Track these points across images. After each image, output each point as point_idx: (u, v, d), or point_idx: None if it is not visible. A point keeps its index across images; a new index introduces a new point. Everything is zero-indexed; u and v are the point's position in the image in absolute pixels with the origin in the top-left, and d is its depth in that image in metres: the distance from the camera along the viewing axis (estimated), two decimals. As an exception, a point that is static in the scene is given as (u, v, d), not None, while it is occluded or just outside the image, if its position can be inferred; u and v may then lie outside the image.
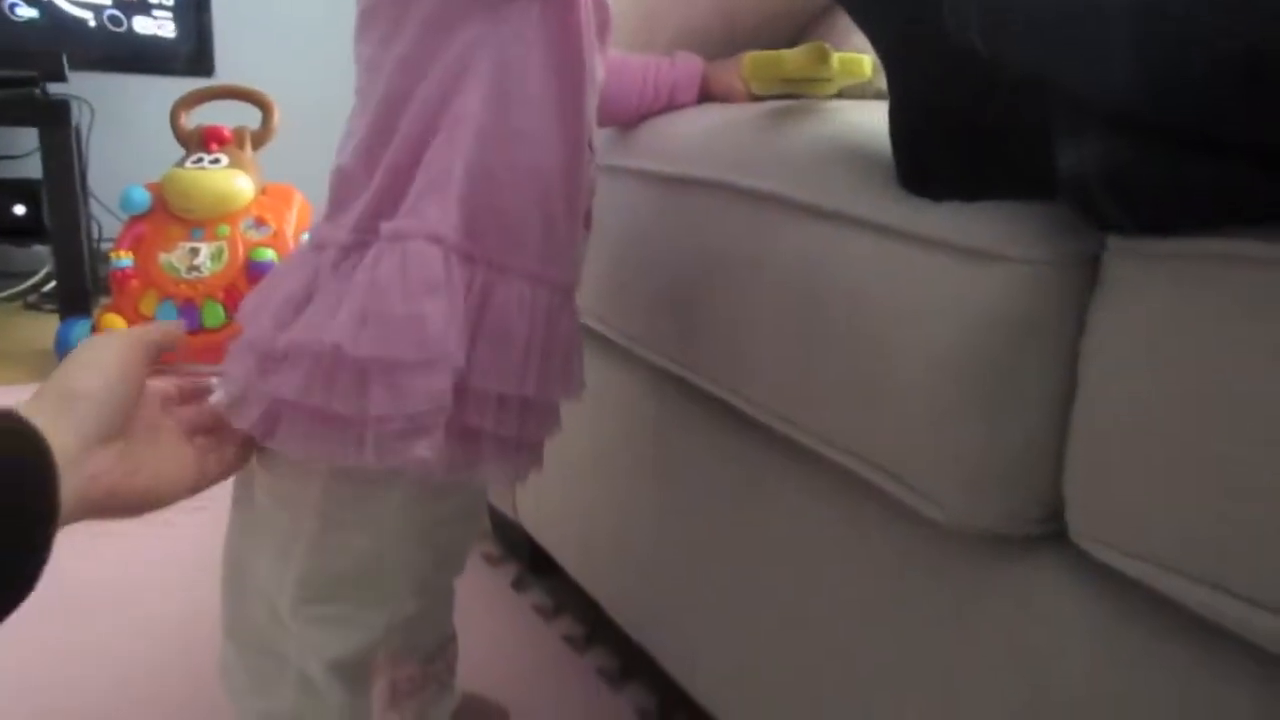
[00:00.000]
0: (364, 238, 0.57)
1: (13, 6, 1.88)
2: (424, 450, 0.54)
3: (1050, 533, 0.50)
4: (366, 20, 0.59)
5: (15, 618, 0.41)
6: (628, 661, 0.99)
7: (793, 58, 0.69)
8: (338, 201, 0.60)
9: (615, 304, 0.81)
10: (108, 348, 0.51)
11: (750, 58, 0.73)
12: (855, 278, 0.56)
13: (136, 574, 1.13)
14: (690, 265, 0.71)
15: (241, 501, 0.67)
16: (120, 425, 0.49)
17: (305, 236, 1.80)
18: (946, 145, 0.53)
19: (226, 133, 1.85)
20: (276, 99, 1.91)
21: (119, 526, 0.51)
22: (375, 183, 0.57)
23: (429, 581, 0.69)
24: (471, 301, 0.56)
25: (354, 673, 0.67)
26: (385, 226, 0.55)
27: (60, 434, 0.45)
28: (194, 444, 0.56)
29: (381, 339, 0.53)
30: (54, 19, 1.90)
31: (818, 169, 0.61)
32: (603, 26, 0.65)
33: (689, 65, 0.83)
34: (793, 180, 0.61)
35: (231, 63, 2.09)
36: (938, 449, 0.52)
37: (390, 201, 0.56)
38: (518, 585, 1.15)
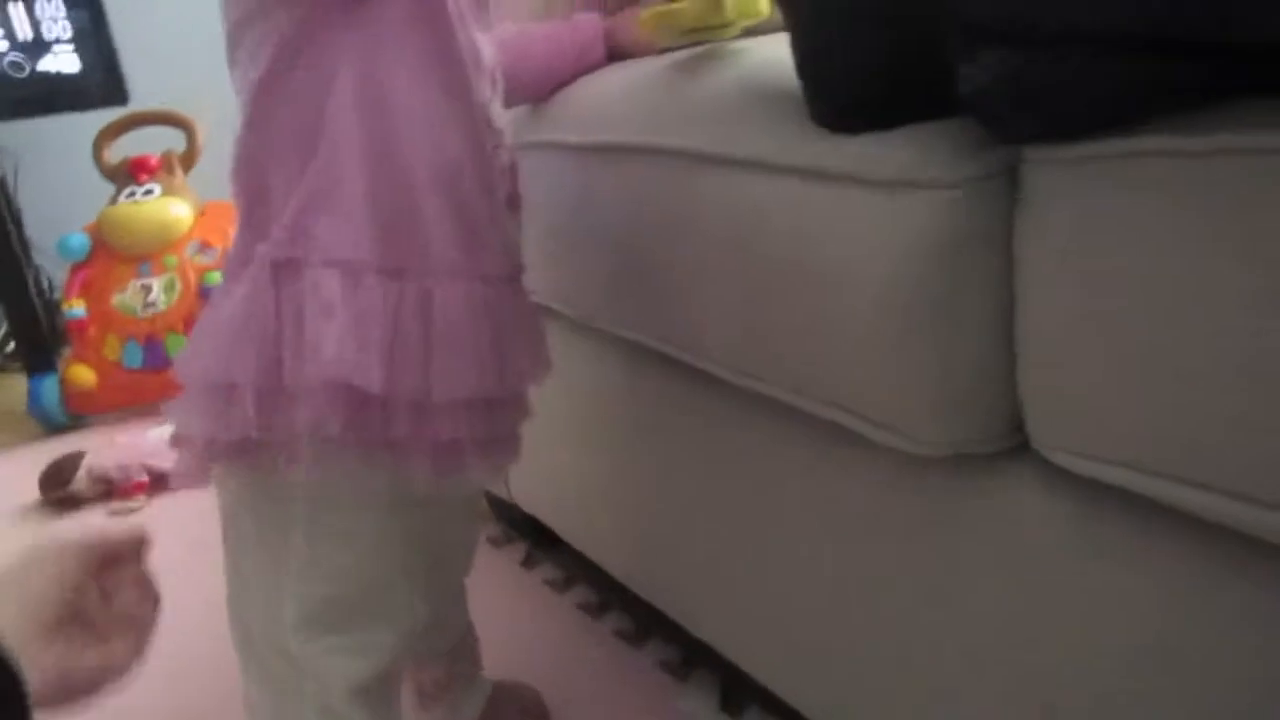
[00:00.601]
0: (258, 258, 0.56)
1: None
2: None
3: (1018, 445, 0.51)
4: (230, 46, 0.57)
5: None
6: (644, 621, 1.01)
7: (688, 9, 0.67)
8: (244, 222, 0.59)
9: (559, 279, 0.81)
10: (53, 569, 0.49)
11: (646, 16, 0.71)
12: (784, 223, 0.55)
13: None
14: (624, 231, 0.70)
15: (231, 553, 0.67)
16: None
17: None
18: (852, 79, 0.52)
19: (153, 160, 1.81)
20: (195, 115, 1.86)
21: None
22: (270, 212, 0.56)
23: (434, 587, 0.69)
24: (410, 316, 0.56)
25: (376, 692, 0.67)
26: (264, 250, 0.55)
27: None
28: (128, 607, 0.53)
29: (292, 367, 0.53)
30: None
31: (731, 118, 0.60)
32: (479, 4, 0.63)
33: (591, 26, 0.81)
34: (708, 133, 0.60)
35: (144, 88, 2.03)
36: (892, 382, 0.52)
37: (280, 228, 0.56)
38: (526, 563, 1.17)
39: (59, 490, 1.44)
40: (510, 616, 1.05)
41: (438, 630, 0.77)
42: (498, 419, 0.64)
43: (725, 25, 0.67)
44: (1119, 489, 0.45)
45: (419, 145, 0.56)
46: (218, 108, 1.86)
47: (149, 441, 1.49)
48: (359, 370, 0.53)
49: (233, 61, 0.58)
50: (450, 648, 0.83)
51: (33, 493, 1.46)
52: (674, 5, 0.68)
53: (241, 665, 0.68)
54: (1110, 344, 0.43)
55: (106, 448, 1.49)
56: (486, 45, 0.62)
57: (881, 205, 0.49)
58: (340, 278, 0.54)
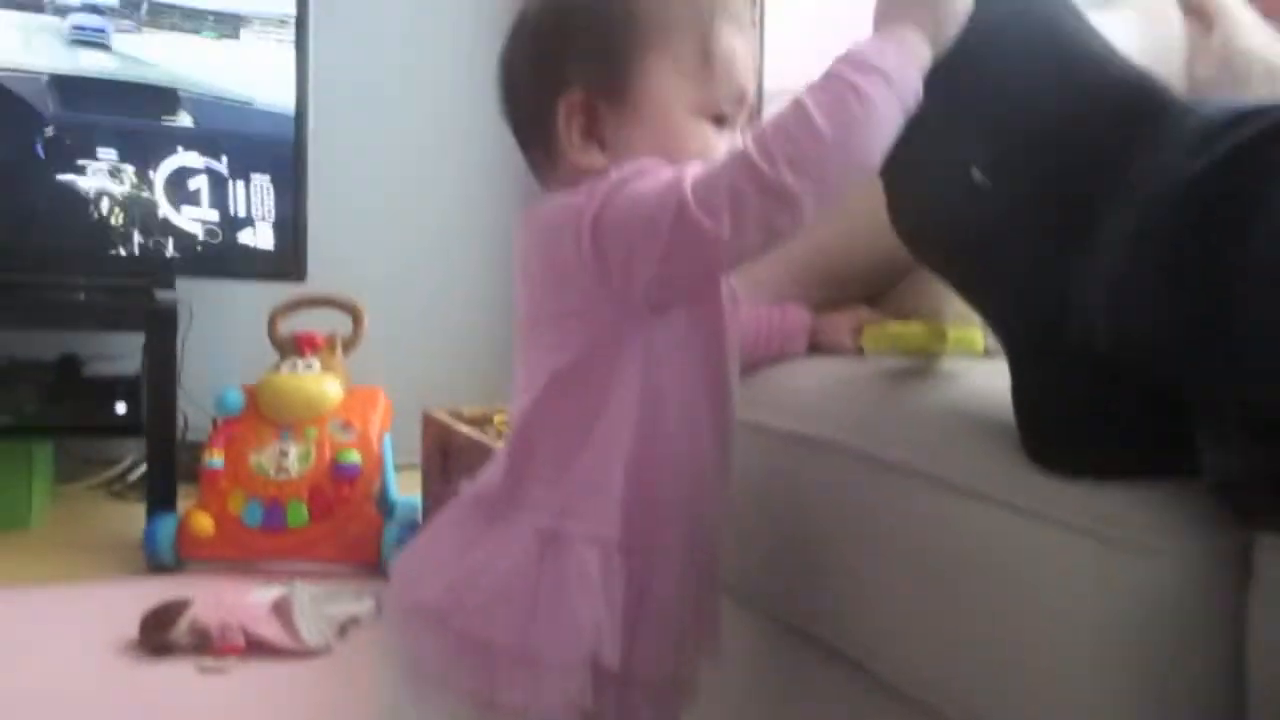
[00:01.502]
0: (522, 519, 0.62)
1: (130, 221, 2.05)
2: None
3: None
4: (533, 327, 0.66)
5: None
6: None
7: (911, 335, 0.74)
8: (510, 474, 0.64)
9: (731, 553, 0.84)
10: None
11: (869, 332, 0.79)
12: (995, 556, 0.58)
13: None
14: (811, 522, 0.74)
15: None
16: None
17: (386, 439, 1.88)
18: (1075, 431, 0.57)
19: (320, 339, 1.96)
20: (363, 303, 2.03)
21: None
22: (537, 473, 0.62)
23: None
24: (632, 593, 0.60)
25: None
26: (546, 525, 0.60)
27: None
28: None
29: (545, 636, 0.57)
30: (164, 232, 2.06)
31: (946, 439, 0.65)
32: (733, 298, 0.71)
33: (799, 317, 0.89)
34: (922, 450, 0.65)
35: (319, 267, 2.23)
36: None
37: (548, 493, 0.62)
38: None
39: (159, 635, 1.47)
40: None
41: None
42: (674, 700, 0.66)
43: (940, 353, 0.73)
44: None
45: (678, 447, 0.63)
46: (373, 298, 2.05)
47: (252, 605, 1.53)
48: (607, 649, 0.57)
49: (533, 342, 0.66)
50: None
51: (130, 629, 1.49)
52: (898, 328, 0.75)
53: None
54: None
55: (212, 603, 1.52)
56: (736, 341, 0.69)
57: (1106, 560, 0.52)
58: (599, 556, 0.59)
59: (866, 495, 0.69)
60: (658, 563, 0.62)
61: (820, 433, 0.74)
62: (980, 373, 0.72)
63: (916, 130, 0.56)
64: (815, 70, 0.58)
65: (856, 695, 0.73)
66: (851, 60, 0.57)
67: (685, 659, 0.64)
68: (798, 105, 0.56)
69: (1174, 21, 0.71)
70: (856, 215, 0.62)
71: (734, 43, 0.66)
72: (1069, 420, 0.57)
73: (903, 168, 0.59)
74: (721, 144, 0.66)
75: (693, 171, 0.57)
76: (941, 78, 0.57)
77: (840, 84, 0.55)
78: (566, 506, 0.61)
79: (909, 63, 0.57)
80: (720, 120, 0.66)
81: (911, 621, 0.64)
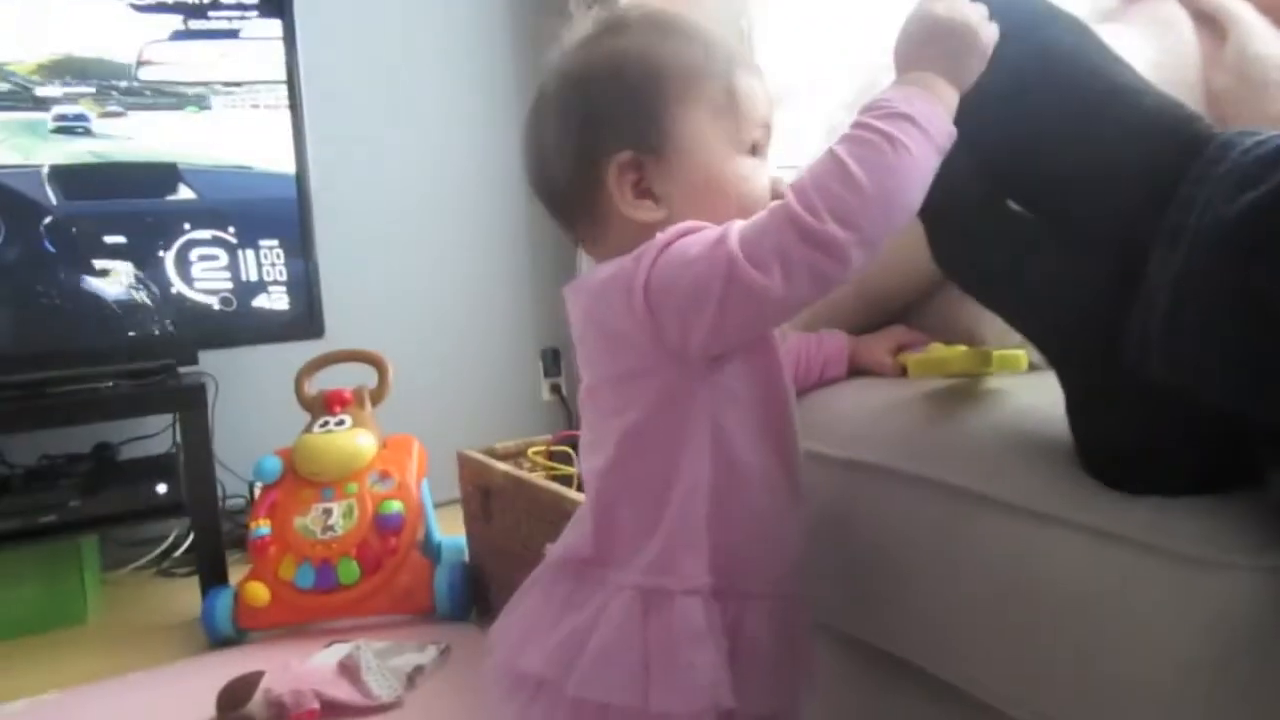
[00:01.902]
0: (616, 580, 0.63)
1: (146, 303, 2.07)
2: None
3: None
4: (594, 391, 0.68)
5: None
6: None
7: (956, 360, 0.76)
8: (596, 535, 0.66)
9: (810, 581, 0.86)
10: None
11: (915, 361, 0.80)
12: (1070, 579, 0.60)
13: None
14: (882, 549, 0.76)
15: None
16: None
17: (424, 485, 1.90)
18: (1139, 448, 0.59)
19: (347, 394, 1.98)
20: (385, 356, 2.05)
21: None
22: (623, 534, 0.64)
23: None
24: (727, 634, 0.62)
25: None
26: (643, 583, 0.63)
27: None
28: None
29: (664, 691, 0.59)
30: (179, 309, 2.08)
31: (1006, 462, 0.66)
32: (782, 336, 0.73)
33: (836, 342, 0.91)
34: (984, 474, 0.67)
35: (338, 323, 2.25)
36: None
37: (637, 552, 0.64)
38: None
39: (235, 711, 1.49)
40: None
41: None
42: None
43: (985, 374, 0.75)
44: None
45: (752, 492, 0.65)
46: (393, 347, 2.08)
47: (320, 668, 1.55)
48: (725, 693, 0.59)
49: (593, 405, 0.68)
50: None
51: (207, 709, 1.51)
52: (942, 354, 0.77)
53: None
54: None
55: (282, 671, 1.54)
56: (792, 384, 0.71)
57: (1181, 578, 0.54)
58: (702, 605, 0.61)
59: (928, 519, 0.71)
60: (748, 604, 0.64)
61: (870, 458, 0.76)
62: (1025, 389, 0.74)
63: (947, 174, 0.58)
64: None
65: (940, 714, 0.75)
66: (879, 109, 0.58)
67: (783, 693, 0.66)
68: (833, 158, 0.57)
69: (1186, 31, 0.72)
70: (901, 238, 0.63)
71: (750, 81, 0.68)
72: (1129, 438, 0.59)
73: (939, 213, 0.61)
74: (761, 173, 0.68)
75: (738, 228, 0.59)
76: (972, 123, 0.58)
77: (872, 133, 0.57)
78: (658, 563, 0.63)
79: (936, 106, 0.59)
80: (754, 150, 0.68)
81: (993, 643, 0.66)
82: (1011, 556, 0.63)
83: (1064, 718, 0.61)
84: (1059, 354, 0.61)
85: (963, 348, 0.77)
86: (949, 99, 0.60)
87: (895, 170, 0.56)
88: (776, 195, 0.68)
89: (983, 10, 0.61)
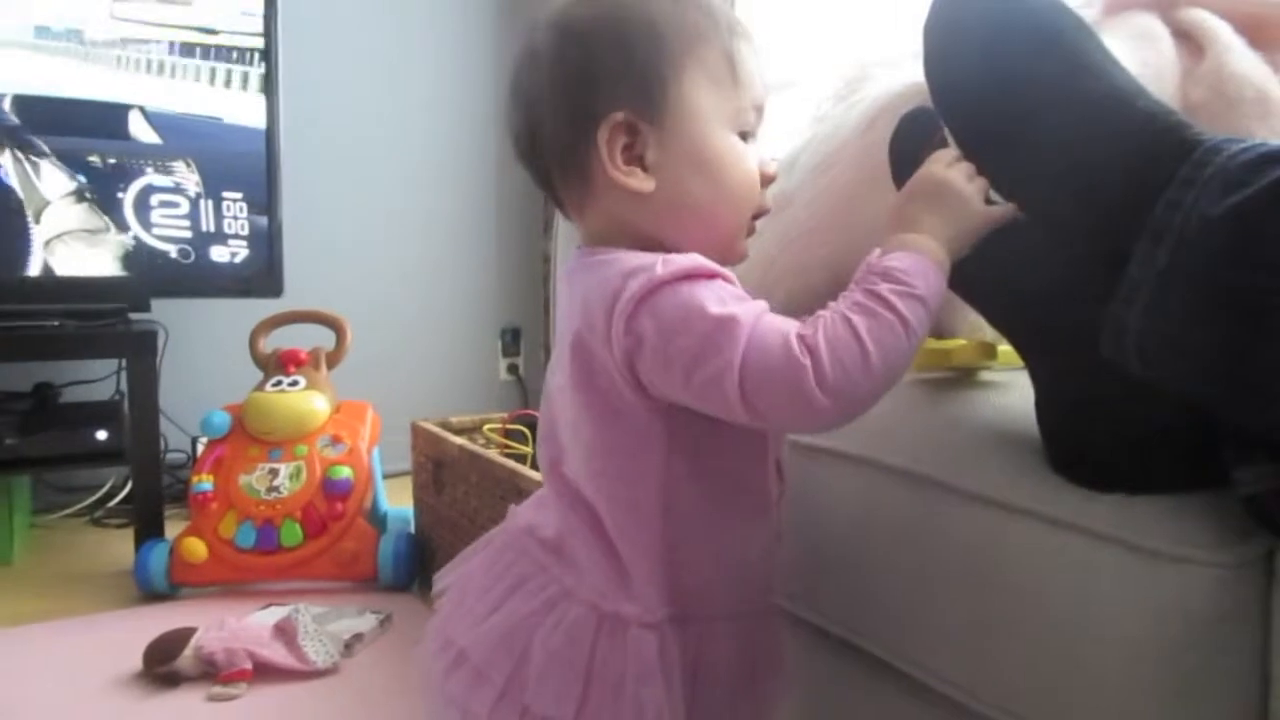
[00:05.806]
0: (573, 588, 0.63)
1: (100, 244, 2.02)
2: None
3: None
4: (562, 393, 0.65)
5: None
6: None
7: (960, 352, 0.76)
8: (560, 537, 0.66)
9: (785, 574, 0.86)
10: None
11: (920, 351, 0.80)
12: (1031, 568, 0.61)
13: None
14: (843, 534, 0.76)
15: None
16: None
17: (376, 453, 1.87)
18: (1106, 446, 0.60)
19: (303, 355, 1.94)
20: (345, 317, 2.02)
21: None
22: (585, 544, 0.64)
23: None
24: (688, 657, 0.62)
25: None
26: (599, 604, 0.62)
27: None
28: None
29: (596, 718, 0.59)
30: (136, 253, 2.03)
31: (975, 454, 0.67)
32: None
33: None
34: (952, 465, 0.68)
35: (298, 283, 2.21)
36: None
37: (597, 569, 0.63)
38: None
39: (163, 665, 1.46)
40: None
41: None
42: None
43: (988, 367, 0.75)
44: None
45: (719, 528, 0.65)
46: (352, 312, 2.05)
47: (256, 628, 1.52)
48: None
49: (561, 403, 0.66)
50: None
51: (134, 662, 1.48)
52: (947, 345, 0.77)
53: None
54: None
55: (215, 629, 1.51)
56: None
57: (1138, 571, 0.55)
58: (656, 640, 0.61)
59: (897, 508, 0.71)
60: (712, 626, 0.64)
61: (844, 447, 0.77)
62: (1006, 388, 0.75)
63: None
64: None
65: (908, 707, 0.76)
66: (899, 282, 0.58)
67: (748, 713, 0.65)
68: (856, 338, 0.56)
69: (1165, 45, 0.74)
70: (879, 229, 0.64)
71: (749, 54, 0.66)
72: (1097, 435, 0.60)
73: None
74: (751, 157, 0.66)
75: (745, 351, 0.56)
76: (974, 122, 0.59)
77: (891, 314, 0.57)
78: (615, 585, 0.62)
79: (942, 281, 0.61)
80: (745, 136, 0.66)
81: (953, 634, 0.67)
82: (973, 547, 0.64)
83: (1020, 709, 0.62)
84: (1033, 343, 0.62)
85: (964, 340, 0.78)
86: (948, 268, 0.62)
87: (904, 354, 0.57)
88: (766, 179, 0.67)
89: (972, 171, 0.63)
